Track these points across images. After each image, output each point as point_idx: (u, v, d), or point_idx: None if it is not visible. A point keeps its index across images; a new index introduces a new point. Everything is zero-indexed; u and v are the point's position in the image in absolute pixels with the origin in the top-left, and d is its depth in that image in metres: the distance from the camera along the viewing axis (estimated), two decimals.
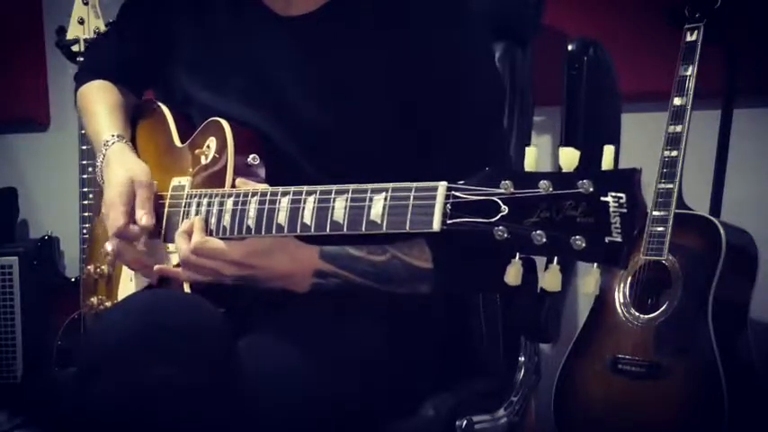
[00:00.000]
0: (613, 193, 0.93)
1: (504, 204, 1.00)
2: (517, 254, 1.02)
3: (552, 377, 2.17)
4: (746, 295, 2.11)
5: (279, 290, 1.34)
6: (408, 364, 1.45)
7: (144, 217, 1.41)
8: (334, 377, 1.34)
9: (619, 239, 0.93)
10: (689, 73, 2.11)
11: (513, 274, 1.03)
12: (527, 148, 1.01)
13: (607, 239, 0.93)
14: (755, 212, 2.27)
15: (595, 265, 0.97)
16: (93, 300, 1.65)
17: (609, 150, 0.96)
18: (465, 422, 1.48)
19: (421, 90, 1.37)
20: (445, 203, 1.05)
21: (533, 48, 1.83)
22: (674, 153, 2.09)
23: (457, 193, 1.05)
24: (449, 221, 1.05)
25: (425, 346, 1.48)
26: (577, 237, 0.95)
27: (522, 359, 1.69)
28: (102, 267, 1.64)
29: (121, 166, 1.47)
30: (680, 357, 2.04)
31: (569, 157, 0.97)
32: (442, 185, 1.06)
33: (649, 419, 2.06)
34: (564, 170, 0.97)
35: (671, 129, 2.10)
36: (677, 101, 2.11)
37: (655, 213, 2.08)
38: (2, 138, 3.14)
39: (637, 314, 2.12)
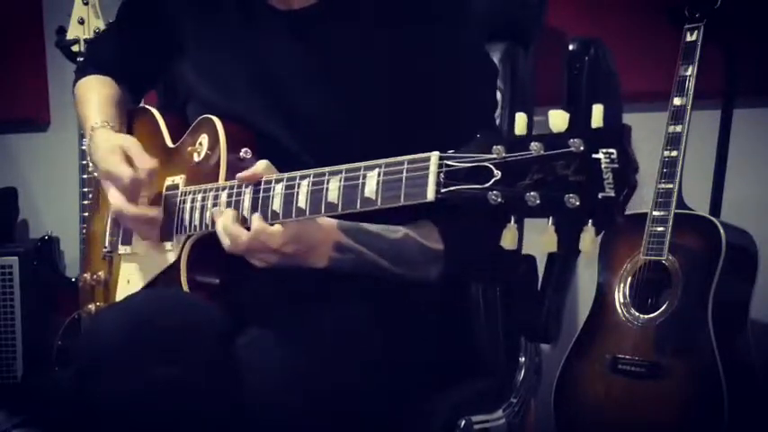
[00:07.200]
0: (604, 150, 0.94)
1: (497, 169, 1.01)
2: (512, 218, 1.02)
3: (552, 377, 2.17)
4: (746, 295, 2.10)
5: (294, 270, 1.31)
6: (408, 364, 1.44)
7: (147, 161, 1.41)
8: (334, 376, 1.34)
9: (612, 194, 0.93)
10: (689, 73, 2.11)
11: (509, 237, 1.02)
12: (517, 114, 1.01)
13: (600, 195, 0.94)
14: (755, 212, 2.27)
15: (590, 222, 0.97)
16: (91, 307, 1.65)
17: (598, 109, 0.95)
18: (464, 422, 1.48)
19: (419, 83, 1.37)
20: (438, 173, 1.06)
21: (534, 48, 1.83)
22: (674, 153, 2.09)
23: (449, 162, 1.05)
24: (443, 190, 1.05)
25: (426, 345, 1.48)
26: (571, 195, 0.95)
27: (522, 359, 1.69)
28: (99, 274, 1.63)
29: (110, 141, 1.48)
30: (680, 357, 2.04)
31: (559, 119, 0.97)
32: (434, 155, 1.07)
33: (649, 420, 2.05)
34: (554, 132, 0.97)
35: (671, 129, 2.10)
36: (677, 101, 2.11)
37: (655, 213, 2.08)
38: (2, 138, 3.15)
39: (637, 314, 2.12)
